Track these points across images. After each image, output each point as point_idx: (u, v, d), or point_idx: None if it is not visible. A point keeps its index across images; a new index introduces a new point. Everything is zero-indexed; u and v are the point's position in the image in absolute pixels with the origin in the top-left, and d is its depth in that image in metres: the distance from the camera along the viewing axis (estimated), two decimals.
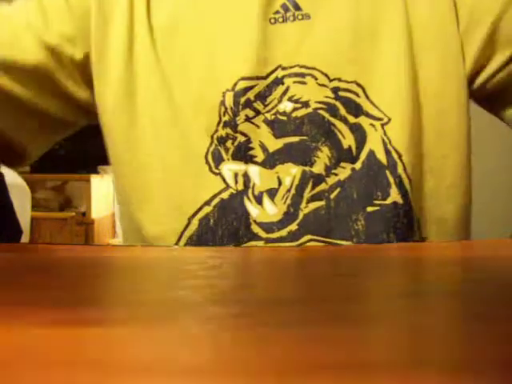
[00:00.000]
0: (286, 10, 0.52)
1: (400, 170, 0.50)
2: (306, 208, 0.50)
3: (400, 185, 0.50)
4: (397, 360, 0.16)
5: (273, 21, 0.52)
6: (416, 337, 0.18)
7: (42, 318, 0.20)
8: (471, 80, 0.54)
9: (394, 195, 0.50)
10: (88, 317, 0.20)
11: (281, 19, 0.52)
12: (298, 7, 0.52)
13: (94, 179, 2.53)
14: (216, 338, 0.18)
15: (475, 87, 0.54)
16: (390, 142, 0.51)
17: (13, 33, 0.53)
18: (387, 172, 0.50)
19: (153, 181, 0.53)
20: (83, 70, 0.54)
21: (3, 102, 0.53)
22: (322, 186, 0.50)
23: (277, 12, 0.52)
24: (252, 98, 0.51)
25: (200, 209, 0.51)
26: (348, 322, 0.20)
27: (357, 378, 0.14)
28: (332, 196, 0.50)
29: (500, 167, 1.80)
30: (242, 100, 0.51)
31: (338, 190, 0.50)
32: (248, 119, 0.51)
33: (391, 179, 0.50)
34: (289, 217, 0.50)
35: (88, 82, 0.54)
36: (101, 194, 2.61)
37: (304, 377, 0.14)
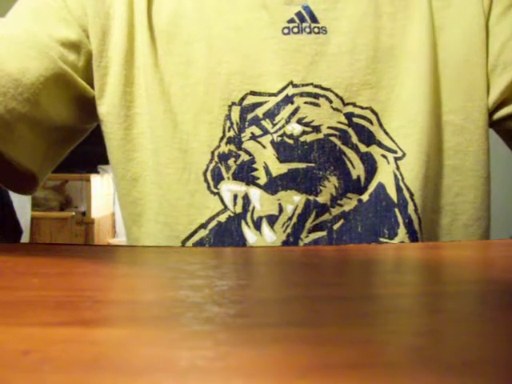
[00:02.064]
0: (302, 19, 0.48)
1: (410, 210, 0.47)
2: (307, 238, 0.47)
3: (409, 225, 0.47)
4: (398, 360, 0.16)
5: (286, 31, 0.48)
6: (418, 337, 0.18)
7: (42, 318, 0.20)
8: (491, 113, 0.51)
9: (402, 235, 0.47)
10: (88, 317, 0.20)
11: (296, 29, 0.48)
12: (314, 19, 0.48)
13: (94, 179, 2.54)
14: (216, 337, 0.18)
15: (495, 119, 0.51)
16: (402, 178, 0.48)
17: (17, 52, 0.47)
18: (396, 210, 0.47)
19: (147, 196, 0.50)
20: (88, 74, 0.51)
21: (23, 131, 0.48)
22: (326, 216, 0.47)
23: (291, 21, 0.48)
24: (260, 116, 0.47)
25: (195, 232, 0.48)
26: (349, 322, 0.20)
27: (358, 379, 0.14)
28: (335, 227, 0.47)
29: (500, 167, 1.79)
30: (249, 116, 0.47)
31: (342, 221, 0.47)
32: (254, 137, 0.47)
33: (400, 219, 0.47)
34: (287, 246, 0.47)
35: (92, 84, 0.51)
36: (101, 193, 2.61)
37: (304, 377, 0.14)
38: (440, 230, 0.50)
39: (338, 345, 0.17)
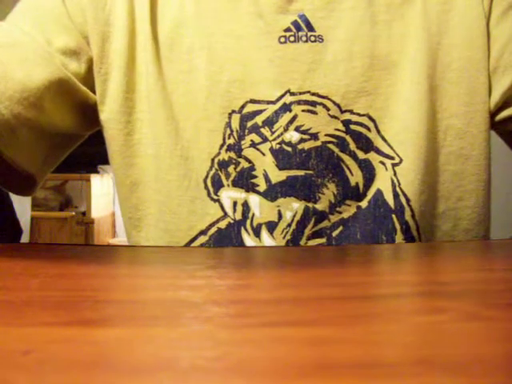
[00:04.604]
0: (298, 28, 0.48)
1: (407, 216, 0.47)
2: (306, 245, 0.47)
3: (406, 231, 0.47)
4: (398, 360, 0.16)
5: (283, 40, 0.48)
6: (418, 337, 0.18)
7: (42, 318, 0.20)
8: (493, 115, 0.51)
9: (400, 241, 0.47)
10: (88, 317, 0.20)
11: (292, 38, 0.48)
12: (310, 27, 0.48)
13: (94, 179, 2.53)
14: (216, 337, 0.18)
15: (496, 121, 0.51)
16: (399, 184, 0.48)
17: (21, 57, 0.47)
18: (394, 216, 0.47)
19: (147, 201, 0.51)
20: (90, 81, 0.51)
21: (26, 135, 0.48)
22: (325, 223, 0.47)
23: (287, 29, 0.48)
24: (260, 124, 0.48)
25: (195, 238, 0.49)
26: (349, 322, 0.20)
27: (358, 379, 0.14)
28: (334, 234, 0.47)
29: (500, 167, 1.79)
30: (249, 124, 0.48)
31: (341, 228, 0.47)
32: (254, 145, 0.48)
33: (397, 225, 0.47)
34: None
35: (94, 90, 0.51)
36: (101, 193, 2.61)
37: (304, 377, 0.14)
38: (441, 235, 0.50)
39: (338, 345, 0.17)
